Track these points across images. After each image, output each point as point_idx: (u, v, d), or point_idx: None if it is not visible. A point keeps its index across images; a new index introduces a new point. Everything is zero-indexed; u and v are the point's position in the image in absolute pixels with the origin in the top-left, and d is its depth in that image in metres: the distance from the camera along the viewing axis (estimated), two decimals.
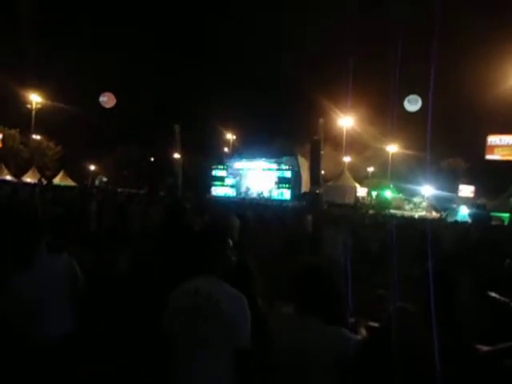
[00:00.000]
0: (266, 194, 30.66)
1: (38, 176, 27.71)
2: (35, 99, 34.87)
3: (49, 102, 35.79)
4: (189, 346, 1.98)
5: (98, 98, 33.52)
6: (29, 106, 34.75)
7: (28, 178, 28.69)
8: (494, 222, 13.36)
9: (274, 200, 27.60)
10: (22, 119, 35.73)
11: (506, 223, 16.89)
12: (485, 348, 1.77)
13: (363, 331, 2.14)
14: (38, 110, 35.35)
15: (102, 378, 2.93)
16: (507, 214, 17.91)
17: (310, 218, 9.62)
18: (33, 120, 35.11)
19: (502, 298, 2.14)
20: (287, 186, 30.47)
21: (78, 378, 2.67)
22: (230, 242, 2.16)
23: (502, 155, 27.79)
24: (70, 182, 30.96)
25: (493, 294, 2.16)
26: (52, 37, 42.88)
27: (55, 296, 2.53)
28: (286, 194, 30.00)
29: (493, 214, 17.34)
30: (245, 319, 1.98)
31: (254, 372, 1.98)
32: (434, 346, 1.78)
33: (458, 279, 1.94)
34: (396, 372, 1.91)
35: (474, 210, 17.91)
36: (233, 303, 1.98)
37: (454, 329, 1.74)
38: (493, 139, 28.22)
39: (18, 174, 31.35)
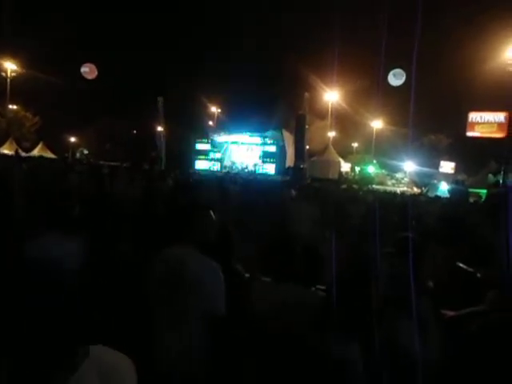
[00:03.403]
0: (250, 169, 30.63)
1: (15, 147, 26.96)
2: (10, 67, 33.40)
3: (26, 71, 34.35)
4: (165, 313, 2.03)
5: (78, 67, 32.38)
6: (3, 74, 33.30)
7: (5, 150, 27.86)
8: (472, 198, 13.72)
9: (259, 174, 27.62)
10: None
11: (483, 199, 17.40)
12: (451, 313, 1.88)
13: None
14: (14, 79, 33.93)
15: None
16: (484, 190, 18.39)
17: (292, 191, 9.71)
18: (8, 89, 33.73)
19: (469, 269, 2.25)
20: (272, 160, 30.45)
21: None
22: (212, 214, 2.18)
23: (482, 132, 28.25)
24: (49, 154, 30.22)
25: (461, 265, 2.26)
26: (30, 3, 40.69)
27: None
28: (271, 169, 30.03)
29: (471, 189, 17.79)
30: (218, 288, 2.04)
31: (232, 338, 2.05)
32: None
33: (425, 247, 2.02)
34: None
35: (453, 186, 18.32)
36: (206, 272, 2.03)
37: (422, 295, 1.82)
38: (474, 116, 28.58)
39: None
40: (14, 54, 33.32)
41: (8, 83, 33.46)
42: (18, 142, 31.88)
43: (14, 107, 38.13)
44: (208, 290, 2.02)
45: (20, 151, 23.87)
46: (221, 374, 1.96)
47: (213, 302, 2.02)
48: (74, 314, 0.89)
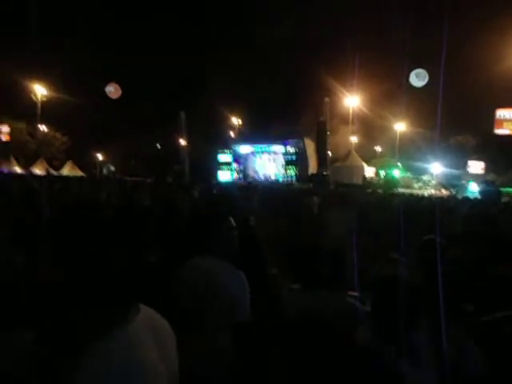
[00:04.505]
0: (272, 178, 30.67)
1: (46, 167, 28.02)
2: (40, 91, 34.96)
3: (54, 94, 35.87)
4: (195, 321, 2.05)
5: (103, 87, 33.54)
6: (34, 97, 34.86)
7: (36, 169, 29.00)
8: (504, 198, 13.21)
9: (281, 183, 27.61)
10: (29, 111, 35.92)
11: None
12: (484, 317, 1.81)
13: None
14: (44, 102, 35.48)
15: None
16: None
17: (316, 199, 9.65)
18: (38, 111, 35.27)
19: (502, 270, 2.17)
20: (294, 168, 30.41)
21: None
22: (233, 222, 2.21)
23: (511, 129, 27.35)
24: (78, 172, 31.25)
25: (493, 267, 2.18)
26: (57, 28, 42.58)
27: None
28: (294, 177, 29.98)
29: (503, 189, 17.16)
30: (245, 295, 2.09)
31: (260, 344, 2.05)
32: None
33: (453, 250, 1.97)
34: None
35: (483, 186, 17.72)
36: (235, 283, 2.08)
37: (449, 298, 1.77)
38: (501, 113, 27.76)
39: (27, 165, 31.70)
40: (42, 78, 34.91)
41: (39, 106, 35.00)
42: (49, 162, 33.15)
43: (44, 128, 39.77)
44: (237, 301, 2.06)
45: (51, 170, 24.81)
46: (248, 379, 1.97)
47: (241, 311, 2.06)
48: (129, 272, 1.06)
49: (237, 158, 32.92)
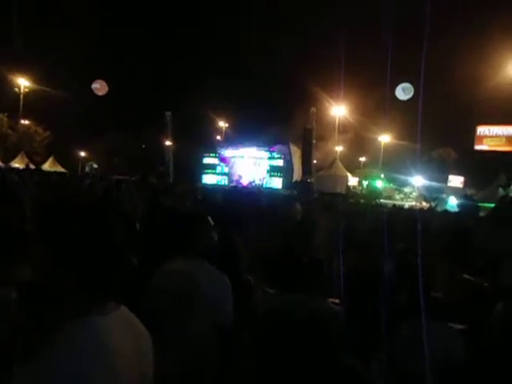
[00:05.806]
0: (257, 183, 30.68)
1: (26, 161, 27.39)
2: (23, 83, 34.16)
3: (38, 87, 35.10)
4: (170, 325, 1.99)
5: (88, 83, 33.10)
6: (17, 89, 34.03)
7: (16, 164, 28.28)
8: (482, 213, 13.52)
9: (266, 188, 27.63)
10: (11, 103, 35.02)
11: None
12: (460, 326, 1.84)
13: None
14: (27, 95, 34.63)
15: None
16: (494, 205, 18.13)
17: (298, 206, 9.67)
18: (21, 104, 34.43)
19: (477, 281, 2.21)
20: (279, 174, 30.50)
21: None
22: (211, 221, 2.18)
23: (490, 145, 28.11)
24: (59, 168, 30.62)
25: (468, 277, 2.22)
26: (42, 20, 41.88)
27: None
28: (278, 183, 30.06)
29: (481, 204, 17.56)
30: (226, 300, 2.01)
31: (238, 348, 2.03)
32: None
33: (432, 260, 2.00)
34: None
35: (462, 201, 18.12)
36: (214, 284, 2.00)
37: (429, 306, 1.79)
38: (482, 129, 28.51)
39: (6, 159, 30.86)
40: (26, 70, 34.14)
41: (21, 99, 34.17)
42: (29, 156, 32.36)
43: (26, 122, 38.81)
44: (219, 305, 1.99)
45: (31, 165, 24.23)
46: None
47: (222, 313, 2.00)
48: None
49: (222, 162, 32.84)
